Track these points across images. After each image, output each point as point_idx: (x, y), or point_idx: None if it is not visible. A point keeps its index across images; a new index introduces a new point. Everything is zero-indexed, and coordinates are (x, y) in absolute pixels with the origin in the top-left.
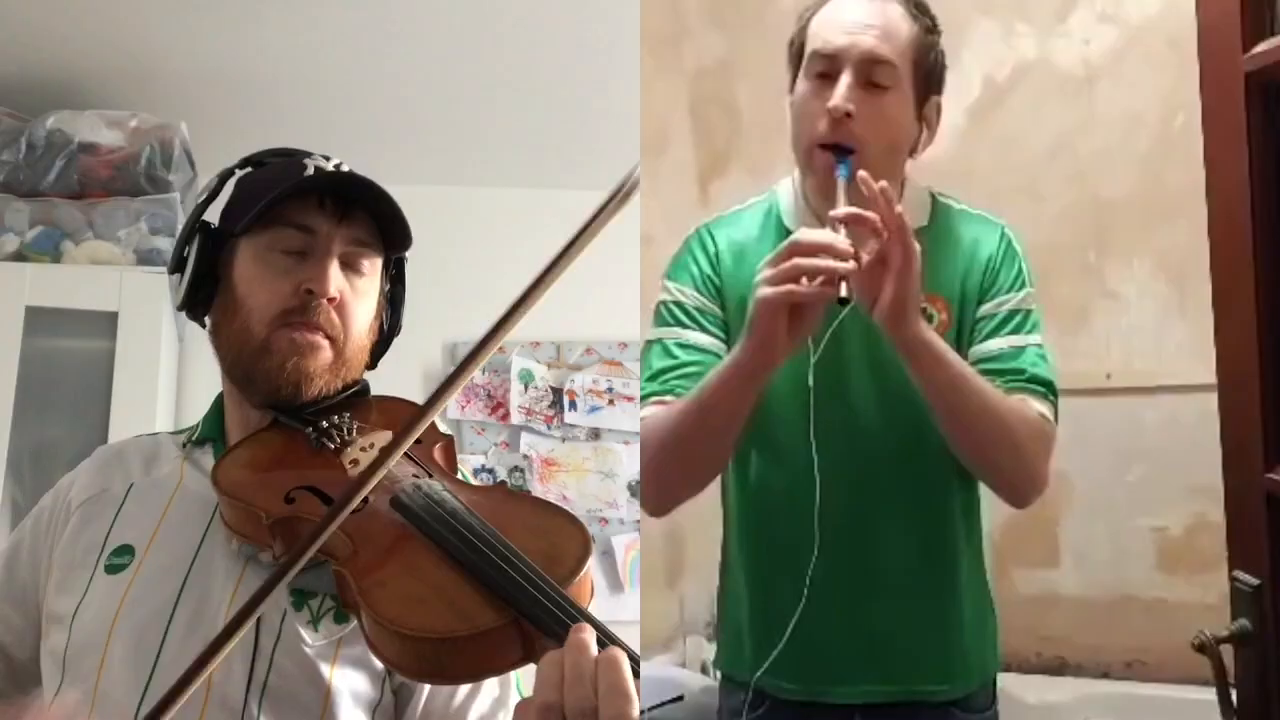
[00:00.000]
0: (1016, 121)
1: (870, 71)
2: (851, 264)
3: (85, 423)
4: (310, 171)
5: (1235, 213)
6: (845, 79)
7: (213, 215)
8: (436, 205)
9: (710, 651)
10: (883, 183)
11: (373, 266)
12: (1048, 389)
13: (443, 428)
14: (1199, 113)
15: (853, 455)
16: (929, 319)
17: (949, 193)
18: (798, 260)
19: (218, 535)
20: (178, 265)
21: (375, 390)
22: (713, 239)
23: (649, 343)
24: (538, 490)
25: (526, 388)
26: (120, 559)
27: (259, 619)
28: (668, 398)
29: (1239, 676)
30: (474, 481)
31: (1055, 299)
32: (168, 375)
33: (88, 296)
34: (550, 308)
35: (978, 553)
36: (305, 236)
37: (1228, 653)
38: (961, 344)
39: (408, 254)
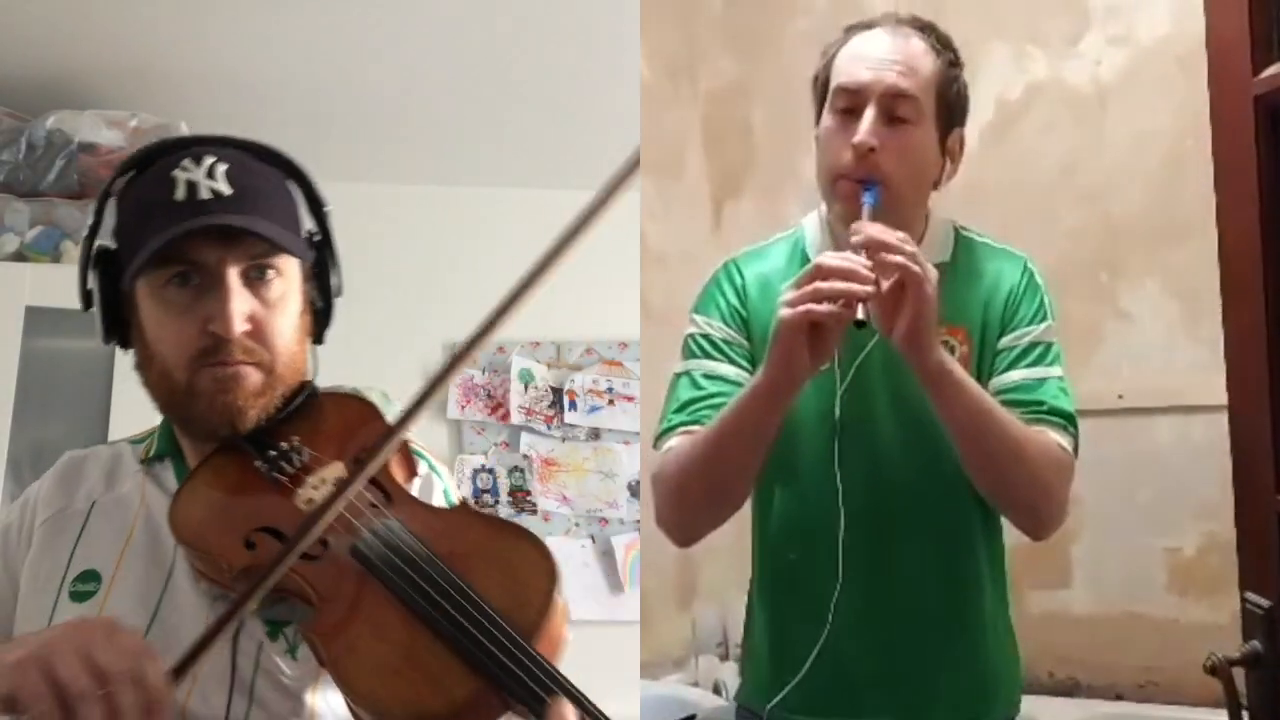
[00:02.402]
0: (1028, 142)
1: (894, 106)
2: (870, 288)
3: (85, 423)
4: (181, 191)
5: (1245, 235)
6: (870, 114)
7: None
8: (436, 205)
9: (722, 671)
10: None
11: (282, 268)
12: (1068, 421)
13: (384, 407)
14: (1209, 133)
15: (876, 486)
16: (950, 350)
17: (961, 214)
18: (818, 284)
19: (183, 568)
20: (85, 300)
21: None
22: (739, 272)
23: (676, 375)
24: (538, 490)
25: (526, 388)
26: (86, 585)
27: (235, 650)
28: (695, 427)
29: (1251, 699)
30: (435, 501)
31: (1067, 319)
32: None
33: None
34: (550, 308)
35: (1000, 584)
36: (192, 270)
37: (1240, 675)
38: (982, 375)
39: (329, 209)
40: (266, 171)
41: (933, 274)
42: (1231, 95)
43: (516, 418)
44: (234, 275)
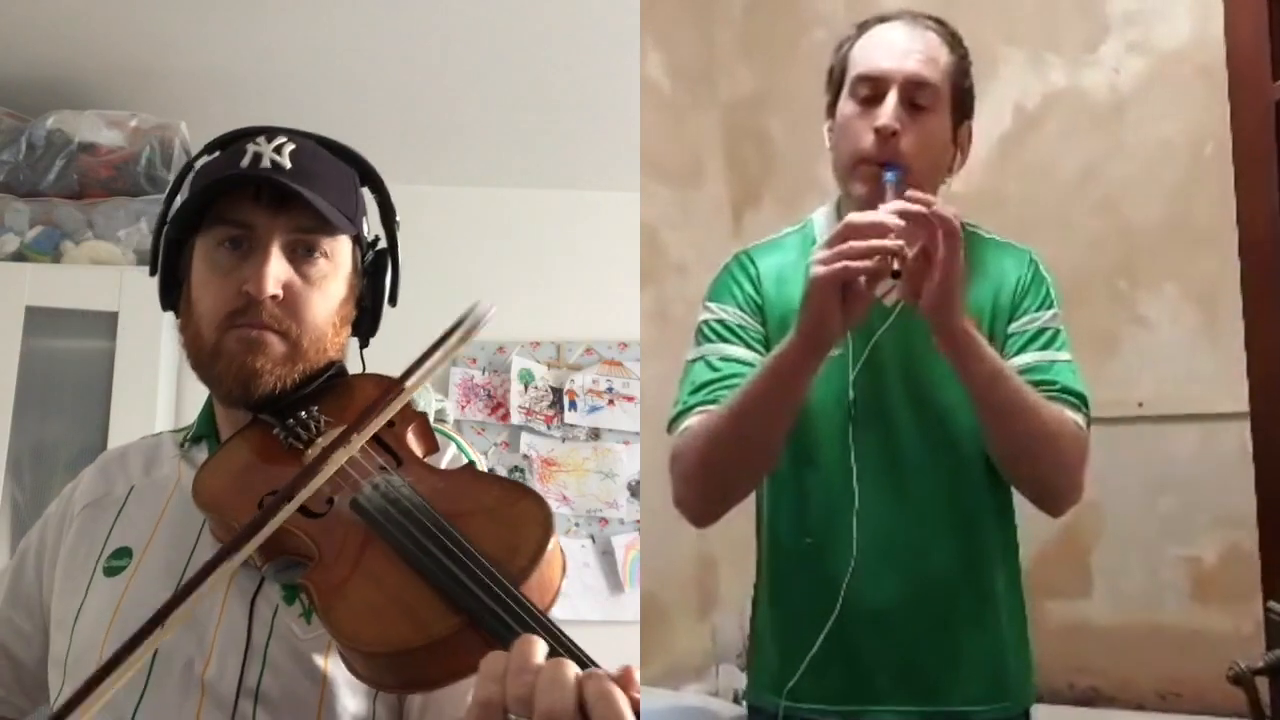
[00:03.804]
0: (1046, 150)
1: (914, 93)
2: (902, 241)
3: (85, 423)
4: (247, 159)
5: (1265, 240)
6: (891, 99)
7: None
8: (437, 205)
9: (742, 680)
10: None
11: (331, 248)
12: (1081, 401)
13: (422, 404)
14: (1229, 140)
15: (890, 469)
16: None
17: (979, 221)
18: (852, 242)
19: (207, 538)
20: (154, 265)
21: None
22: (753, 262)
23: (690, 361)
24: (538, 490)
25: (526, 388)
26: (119, 561)
27: (251, 615)
28: (712, 407)
29: (1275, 708)
30: (444, 465)
31: (1086, 326)
32: (168, 375)
33: (88, 296)
34: (550, 308)
35: (1015, 573)
36: (243, 232)
37: (1264, 685)
38: None
39: (399, 227)
40: (334, 162)
41: (960, 237)
42: (1251, 101)
43: (516, 418)
44: (279, 242)
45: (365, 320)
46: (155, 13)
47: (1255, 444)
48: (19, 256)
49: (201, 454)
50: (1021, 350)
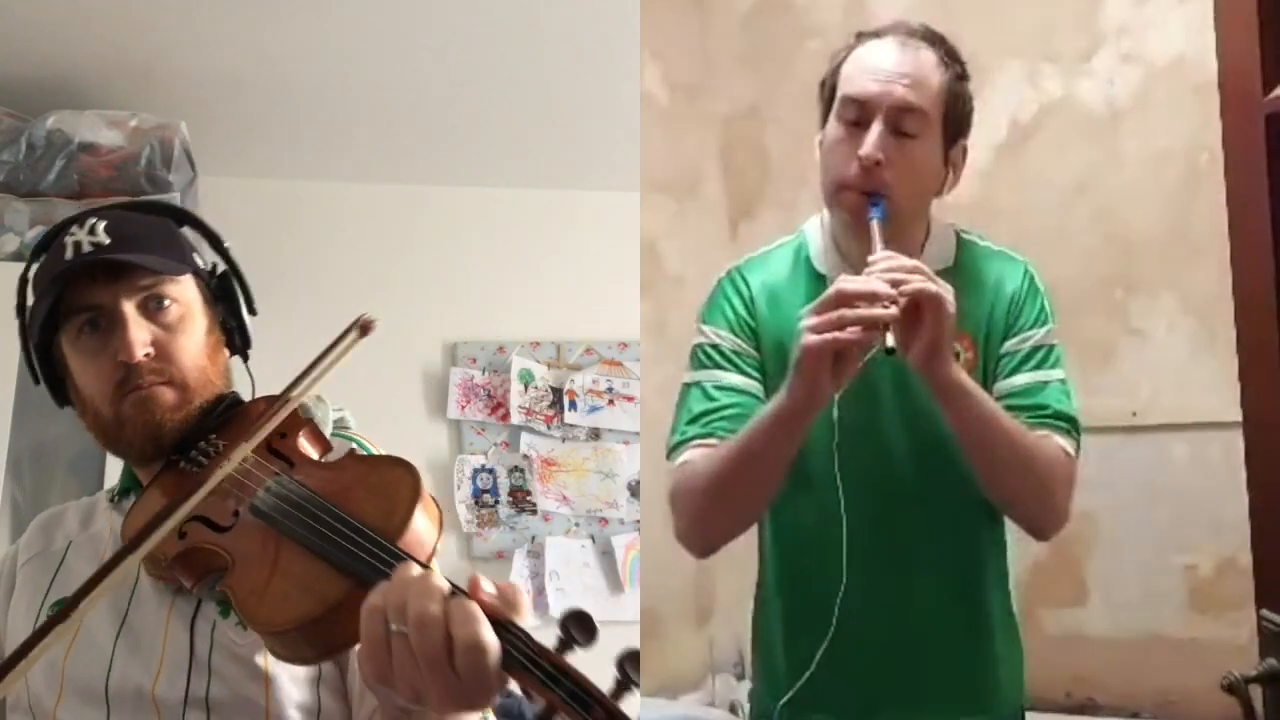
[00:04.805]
0: (1042, 161)
1: (901, 120)
2: (895, 310)
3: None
4: (69, 252)
5: (1258, 252)
6: (876, 127)
7: None
8: (437, 205)
9: (739, 691)
10: (914, 262)
11: (176, 292)
12: (1071, 425)
13: (319, 415)
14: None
15: (882, 491)
16: (956, 356)
17: (976, 230)
18: (843, 311)
19: (147, 579)
20: (34, 375)
21: (369, 388)
22: (745, 282)
23: (686, 385)
24: (538, 490)
25: (526, 388)
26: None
27: (193, 632)
28: (711, 440)
29: (1268, 717)
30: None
31: (1082, 336)
32: None
33: None
34: (550, 308)
35: (1004, 585)
36: (94, 313)
37: (1257, 694)
38: (987, 379)
39: (228, 244)
40: (147, 219)
41: (950, 295)
42: (1243, 114)
43: (516, 418)
44: (130, 308)
45: (234, 337)
46: (155, 13)
47: (1247, 453)
48: (19, 256)
49: (129, 504)
50: (1015, 371)
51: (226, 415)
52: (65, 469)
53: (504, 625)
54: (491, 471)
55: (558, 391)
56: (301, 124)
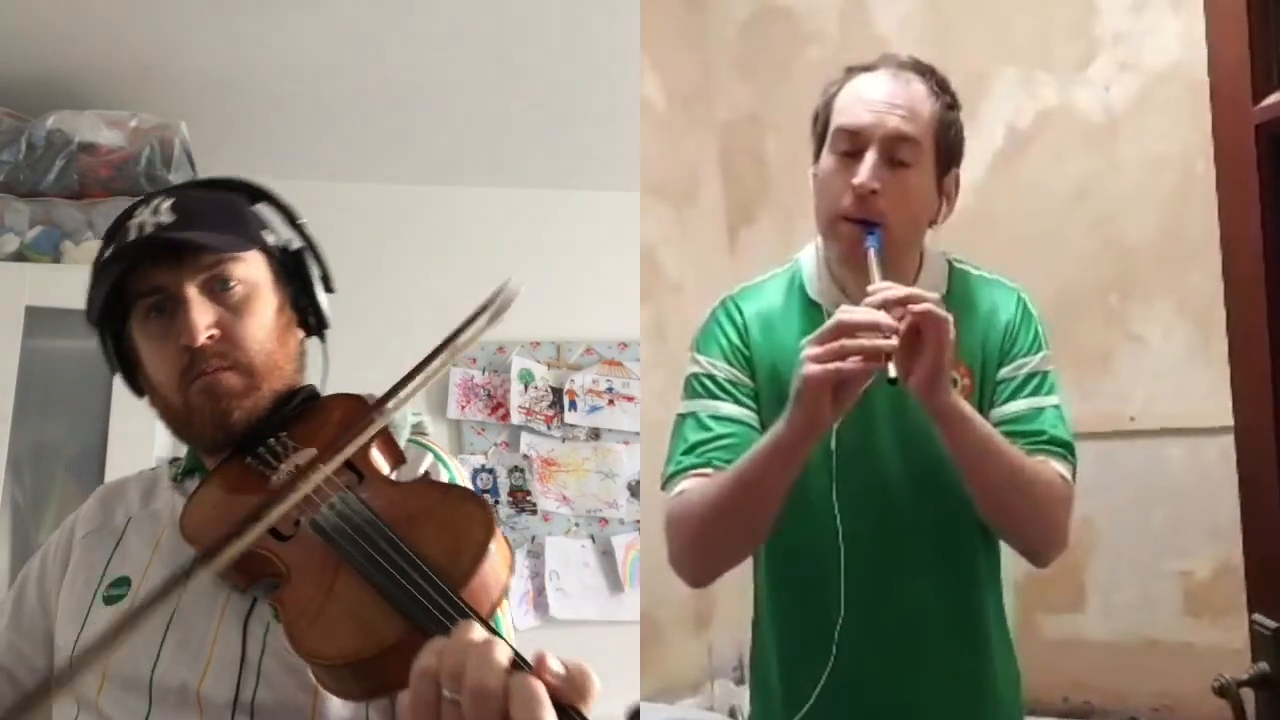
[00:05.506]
0: (1039, 168)
1: (894, 149)
2: (896, 340)
3: (85, 423)
4: (132, 234)
5: (1249, 263)
6: (870, 157)
7: None
8: (436, 205)
9: (738, 696)
10: (914, 290)
11: (242, 272)
12: (1067, 450)
13: (397, 421)
14: None
15: (880, 515)
16: (954, 384)
17: (972, 240)
18: (844, 341)
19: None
20: (111, 366)
21: (368, 388)
22: (739, 310)
23: (681, 416)
24: (538, 490)
25: (526, 388)
26: (118, 590)
27: (245, 634)
28: (707, 470)
29: None
30: (395, 476)
31: (1079, 342)
32: None
33: None
34: (550, 308)
35: (1000, 607)
36: (159, 296)
37: (1249, 697)
38: (983, 406)
39: (303, 220)
40: (215, 196)
41: (949, 320)
42: (1233, 123)
43: (516, 418)
44: (192, 290)
45: (308, 316)
46: (155, 13)
47: (1239, 458)
48: (19, 256)
49: (193, 485)
50: (1011, 398)
51: (300, 410)
52: (65, 469)
53: (567, 711)
54: (491, 471)
55: (558, 391)
56: (302, 124)
